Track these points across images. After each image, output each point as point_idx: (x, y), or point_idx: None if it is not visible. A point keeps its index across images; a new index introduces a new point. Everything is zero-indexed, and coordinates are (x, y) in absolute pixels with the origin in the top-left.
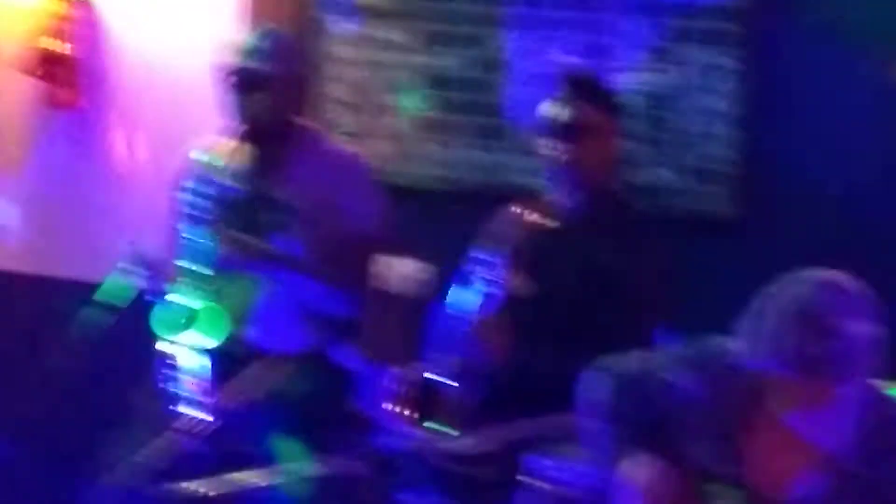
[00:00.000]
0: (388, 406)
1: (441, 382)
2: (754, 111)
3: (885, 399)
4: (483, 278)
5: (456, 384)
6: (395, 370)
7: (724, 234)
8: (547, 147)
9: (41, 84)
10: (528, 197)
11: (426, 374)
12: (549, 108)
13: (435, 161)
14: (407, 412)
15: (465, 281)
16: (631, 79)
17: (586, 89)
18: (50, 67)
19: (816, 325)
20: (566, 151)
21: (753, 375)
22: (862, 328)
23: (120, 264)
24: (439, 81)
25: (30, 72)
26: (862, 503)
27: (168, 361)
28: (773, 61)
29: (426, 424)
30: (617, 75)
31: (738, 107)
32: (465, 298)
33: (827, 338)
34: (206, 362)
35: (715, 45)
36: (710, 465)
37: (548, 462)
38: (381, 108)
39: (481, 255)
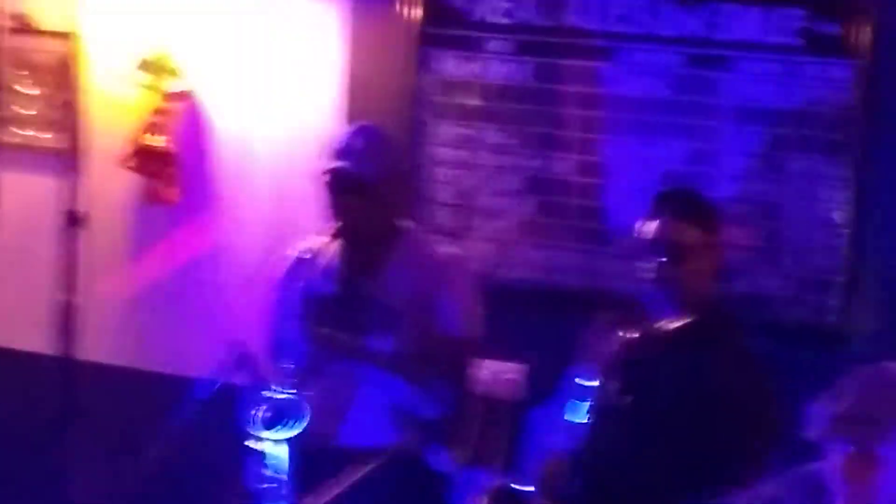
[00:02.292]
0: None
1: (530, 492)
2: (863, 220)
3: None
4: (581, 394)
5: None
6: (487, 475)
7: (835, 343)
8: (646, 265)
9: (141, 179)
10: (627, 306)
11: (516, 483)
12: (649, 227)
13: (536, 263)
14: None
15: (566, 395)
16: (740, 186)
17: (685, 207)
18: (151, 163)
19: (837, 391)
20: (666, 271)
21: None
22: (875, 399)
23: (218, 360)
24: (543, 184)
25: (130, 167)
26: None
27: (259, 458)
28: (885, 169)
29: None
30: (727, 184)
31: (847, 215)
32: (564, 416)
33: (838, 400)
34: (297, 460)
35: (823, 152)
36: None
37: None
38: (483, 210)
39: (581, 370)
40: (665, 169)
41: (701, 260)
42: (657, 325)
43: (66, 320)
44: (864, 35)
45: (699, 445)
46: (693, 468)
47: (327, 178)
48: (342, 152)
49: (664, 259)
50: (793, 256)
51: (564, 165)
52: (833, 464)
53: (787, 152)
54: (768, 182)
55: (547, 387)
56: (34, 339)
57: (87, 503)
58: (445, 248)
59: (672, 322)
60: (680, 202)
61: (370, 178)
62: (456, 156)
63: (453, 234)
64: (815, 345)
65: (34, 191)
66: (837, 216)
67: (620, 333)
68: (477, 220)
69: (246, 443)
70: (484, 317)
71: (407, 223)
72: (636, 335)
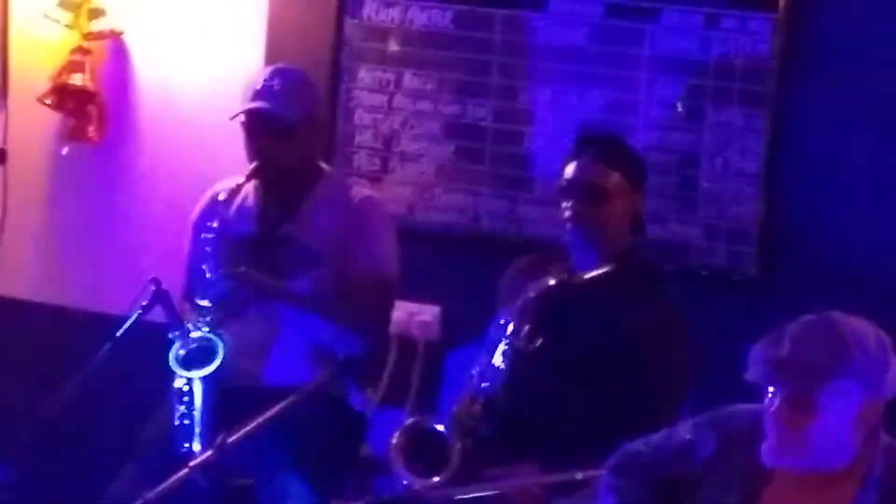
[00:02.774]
0: (394, 451)
1: (442, 432)
2: (782, 171)
3: None
4: (497, 338)
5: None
6: (406, 416)
7: (749, 291)
8: (566, 207)
9: (64, 118)
10: (547, 250)
11: (429, 423)
12: (569, 169)
13: (454, 208)
14: (411, 459)
15: (482, 338)
16: (659, 136)
17: (606, 151)
18: (73, 102)
19: (779, 336)
20: (584, 213)
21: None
22: (815, 348)
23: (138, 298)
24: (464, 130)
25: (53, 106)
26: None
27: (180, 395)
28: (802, 121)
29: (429, 473)
30: (646, 133)
31: (766, 165)
32: (479, 358)
33: (779, 344)
34: (216, 397)
35: (743, 103)
36: None
37: None
38: (401, 154)
39: (497, 314)
40: (584, 117)
41: (620, 205)
42: (574, 273)
43: None
44: None
45: (611, 390)
46: (604, 413)
47: (244, 118)
48: (259, 93)
49: (583, 201)
50: (709, 205)
51: (484, 111)
52: (769, 406)
53: (705, 103)
54: (686, 132)
55: (463, 329)
56: None
57: (1, 442)
58: (363, 190)
59: (589, 270)
60: (601, 145)
61: (287, 120)
62: (376, 100)
63: (372, 177)
64: (731, 293)
65: None
66: (753, 166)
67: (537, 279)
68: (395, 164)
69: (170, 380)
70: (401, 259)
71: (325, 165)
72: (553, 282)
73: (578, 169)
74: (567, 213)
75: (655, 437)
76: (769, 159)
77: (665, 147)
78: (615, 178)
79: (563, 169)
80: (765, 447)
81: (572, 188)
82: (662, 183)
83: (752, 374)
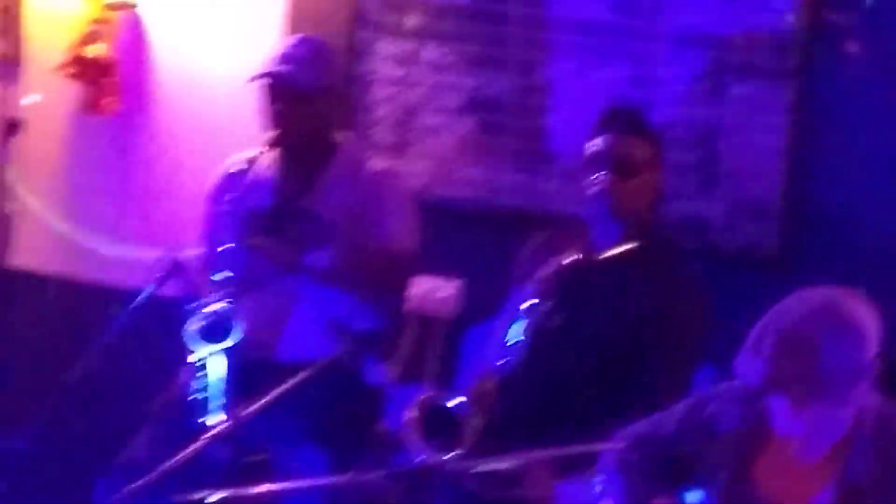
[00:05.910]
0: (409, 426)
1: (459, 406)
2: (804, 146)
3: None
4: (517, 314)
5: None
6: (422, 392)
7: (771, 269)
8: (592, 179)
9: (82, 89)
10: (564, 225)
11: (447, 398)
12: (598, 142)
13: (474, 182)
14: (426, 434)
15: (502, 313)
16: (680, 110)
17: (635, 124)
18: (91, 73)
19: (794, 344)
20: (614, 186)
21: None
22: (842, 352)
23: (155, 271)
24: (483, 104)
25: (71, 77)
26: None
27: (195, 368)
28: (825, 96)
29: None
30: (667, 108)
31: (789, 141)
32: (499, 334)
33: (801, 356)
34: (233, 370)
35: (766, 78)
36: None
37: (577, 487)
38: (421, 128)
39: (514, 287)
40: (606, 92)
41: (645, 178)
42: (595, 250)
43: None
44: None
45: (628, 368)
46: (619, 390)
47: (266, 82)
48: (282, 58)
49: (614, 174)
50: (732, 182)
51: (504, 85)
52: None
53: (729, 77)
54: (709, 107)
55: (483, 305)
56: None
57: (17, 412)
58: (381, 163)
59: (609, 247)
60: (628, 118)
61: (307, 85)
62: (395, 73)
63: (391, 151)
64: (753, 271)
65: None
66: (776, 142)
67: (558, 255)
68: (415, 138)
69: (185, 353)
70: (420, 233)
71: (344, 136)
72: (574, 259)
73: (609, 141)
74: (596, 186)
75: (657, 418)
76: (792, 135)
77: (686, 122)
78: (644, 151)
79: (589, 141)
80: (778, 420)
81: (603, 160)
82: (683, 159)
83: (749, 386)
